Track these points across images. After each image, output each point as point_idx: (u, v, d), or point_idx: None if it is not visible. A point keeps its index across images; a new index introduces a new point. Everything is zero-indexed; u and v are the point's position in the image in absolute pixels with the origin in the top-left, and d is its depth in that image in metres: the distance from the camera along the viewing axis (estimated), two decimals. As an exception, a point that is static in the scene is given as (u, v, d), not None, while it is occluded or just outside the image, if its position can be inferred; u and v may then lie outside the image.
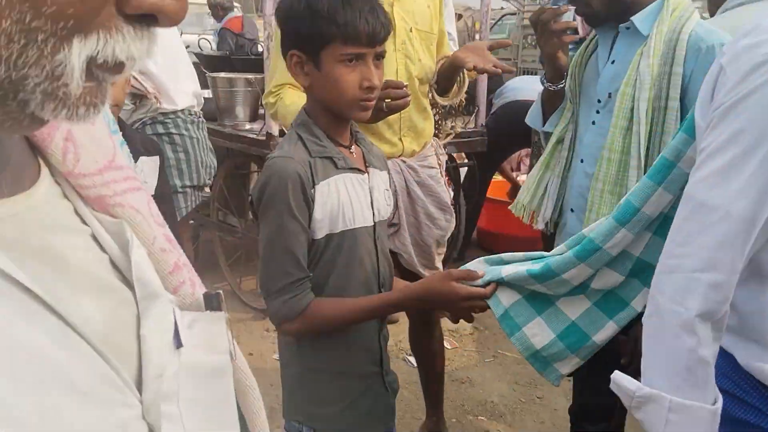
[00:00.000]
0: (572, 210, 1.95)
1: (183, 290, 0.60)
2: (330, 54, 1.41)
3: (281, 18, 1.47)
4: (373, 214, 1.54)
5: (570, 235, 1.94)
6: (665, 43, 1.72)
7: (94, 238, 0.54)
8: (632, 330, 1.79)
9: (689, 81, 1.70)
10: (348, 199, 1.47)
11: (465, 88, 2.32)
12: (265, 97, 2.35)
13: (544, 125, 2.09)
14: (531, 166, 3.90)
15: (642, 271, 1.41)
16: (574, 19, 1.95)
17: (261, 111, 4.02)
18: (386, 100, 2.05)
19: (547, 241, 3.73)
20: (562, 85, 1.98)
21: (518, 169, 5.61)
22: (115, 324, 0.51)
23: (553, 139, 2.01)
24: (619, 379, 1.15)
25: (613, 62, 1.84)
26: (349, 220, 1.47)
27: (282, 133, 3.37)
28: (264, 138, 3.47)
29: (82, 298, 0.49)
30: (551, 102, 2.05)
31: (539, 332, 1.41)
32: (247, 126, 3.90)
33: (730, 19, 2.10)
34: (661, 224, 1.36)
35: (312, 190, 1.42)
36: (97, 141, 0.56)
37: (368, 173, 1.54)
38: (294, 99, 2.27)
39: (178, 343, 0.55)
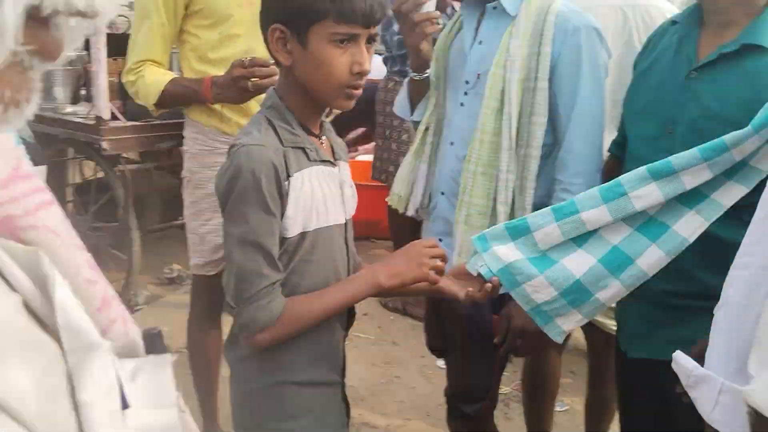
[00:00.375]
0: (443, 193, 1.94)
1: (115, 330, 0.47)
2: (320, 32, 1.27)
3: None
4: (345, 211, 1.44)
5: (441, 218, 1.94)
6: (533, 23, 1.74)
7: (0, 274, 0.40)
8: (505, 309, 1.81)
9: (557, 61, 1.74)
10: (321, 195, 1.35)
11: None
12: (125, 74, 2.15)
13: (412, 114, 2.06)
14: (378, 148, 3.88)
15: (654, 230, 1.41)
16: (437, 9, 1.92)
17: (83, 92, 3.66)
18: (252, 79, 1.92)
19: (395, 224, 3.77)
20: (426, 74, 1.96)
21: (355, 149, 5.59)
22: (46, 392, 0.38)
23: (421, 127, 1.99)
24: (679, 357, 1.14)
25: (480, 43, 1.83)
26: (322, 217, 1.36)
27: (114, 117, 3.09)
28: (93, 122, 3.14)
29: (8, 365, 0.35)
30: (418, 91, 2.02)
31: (541, 289, 1.40)
32: (69, 109, 3.52)
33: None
34: (690, 195, 1.38)
35: (286, 183, 1.29)
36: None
37: (339, 166, 1.43)
38: (156, 77, 2.10)
39: (124, 404, 0.42)
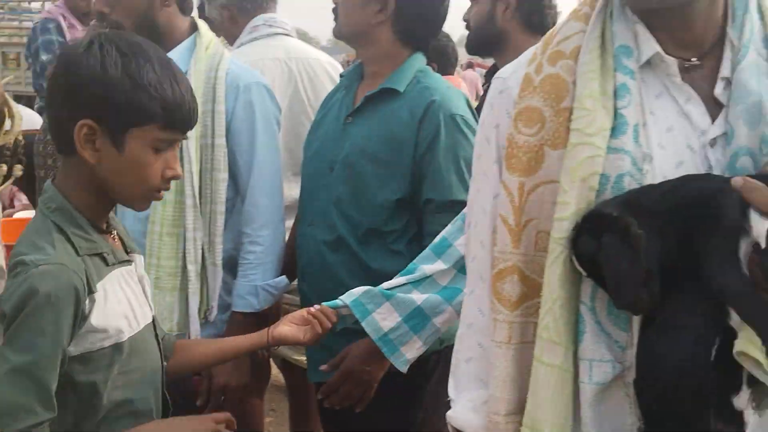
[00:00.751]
0: (128, 256, 1.84)
1: None
2: (142, 135, 1.17)
3: (75, 77, 1.16)
4: (150, 307, 1.32)
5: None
6: (204, 81, 1.75)
7: None
8: (206, 371, 1.78)
9: (232, 118, 1.77)
10: (126, 300, 1.23)
11: (20, 124, 1.96)
12: None
13: None
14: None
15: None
16: None
17: None
18: None
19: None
20: None
21: (12, 205, 5.02)
22: None
23: None
24: None
25: (151, 101, 1.78)
26: (133, 323, 1.24)
27: None
28: None
29: None
30: None
31: (388, 316, 1.52)
32: None
33: (246, 54, 2.25)
34: None
35: (86, 302, 1.14)
36: None
37: (134, 261, 1.30)
38: None
39: None
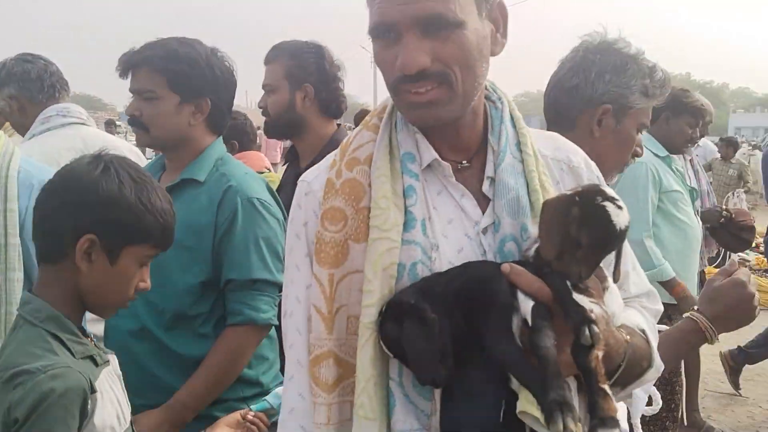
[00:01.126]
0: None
1: None
2: (135, 252, 1.31)
3: (92, 196, 1.26)
4: (127, 404, 1.37)
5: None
6: (-2, 179, 1.68)
7: None
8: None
9: (25, 217, 1.70)
10: (116, 400, 1.30)
11: None
12: None
13: None
14: None
15: None
16: None
17: None
18: None
19: None
20: None
21: None
22: None
23: None
24: None
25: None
26: (122, 422, 1.31)
27: None
28: None
29: None
30: None
31: None
32: None
33: (39, 145, 2.17)
34: None
35: (89, 401, 1.21)
36: None
37: (110, 360, 1.35)
38: None
39: None
